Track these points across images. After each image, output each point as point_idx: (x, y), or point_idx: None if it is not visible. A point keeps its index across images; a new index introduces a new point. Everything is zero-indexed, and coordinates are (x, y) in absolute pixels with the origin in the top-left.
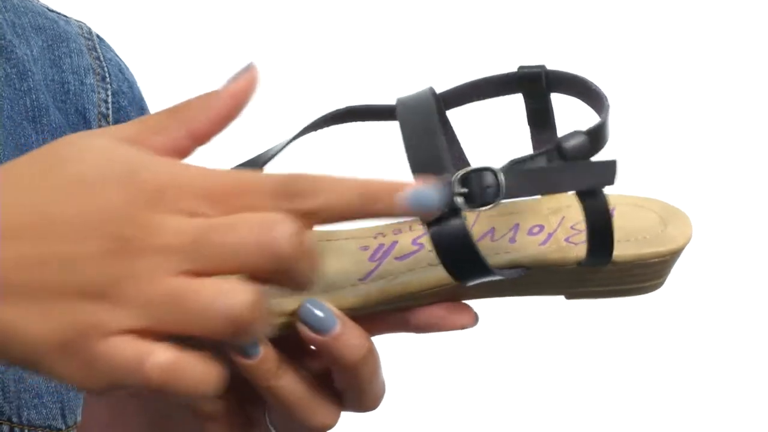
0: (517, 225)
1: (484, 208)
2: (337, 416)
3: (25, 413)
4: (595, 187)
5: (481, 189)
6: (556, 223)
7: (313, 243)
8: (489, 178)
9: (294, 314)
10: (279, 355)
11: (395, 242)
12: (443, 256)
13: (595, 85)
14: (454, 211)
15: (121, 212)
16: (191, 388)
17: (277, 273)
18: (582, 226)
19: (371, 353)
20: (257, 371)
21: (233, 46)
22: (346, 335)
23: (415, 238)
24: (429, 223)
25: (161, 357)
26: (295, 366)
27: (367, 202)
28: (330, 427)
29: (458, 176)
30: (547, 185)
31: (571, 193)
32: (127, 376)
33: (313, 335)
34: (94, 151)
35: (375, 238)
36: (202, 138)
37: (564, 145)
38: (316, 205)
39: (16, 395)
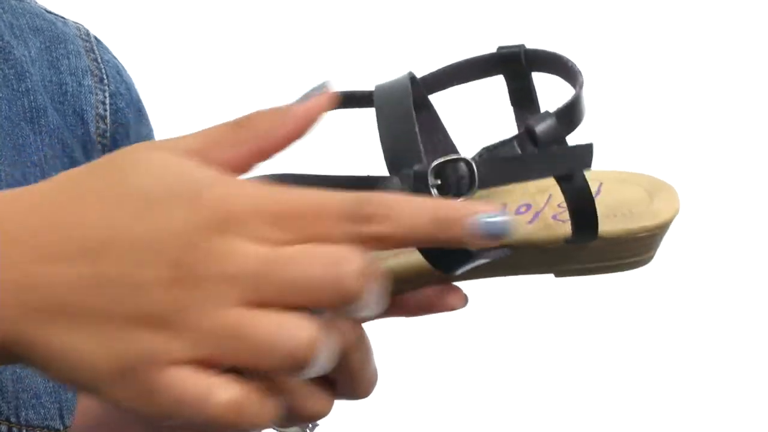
0: (505, 205)
1: (458, 199)
2: (331, 404)
3: (24, 413)
4: (571, 171)
5: (456, 179)
6: (543, 202)
7: (381, 273)
8: (463, 169)
9: None
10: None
11: None
12: (424, 250)
13: (571, 62)
14: None
15: (185, 236)
16: (253, 425)
17: (341, 307)
18: None
19: (361, 341)
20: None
21: (230, 47)
22: (335, 323)
23: None
24: None
25: (226, 394)
26: None
27: (439, 229)
28: (324, 415)
29: (432, 167)
30: (522, 173)
31: None
32: (190, 411)
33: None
34: (158, 165)
35: None
36: (268, 154)
37: (533, 128)
38: (386, 230)
39: (14, 395)
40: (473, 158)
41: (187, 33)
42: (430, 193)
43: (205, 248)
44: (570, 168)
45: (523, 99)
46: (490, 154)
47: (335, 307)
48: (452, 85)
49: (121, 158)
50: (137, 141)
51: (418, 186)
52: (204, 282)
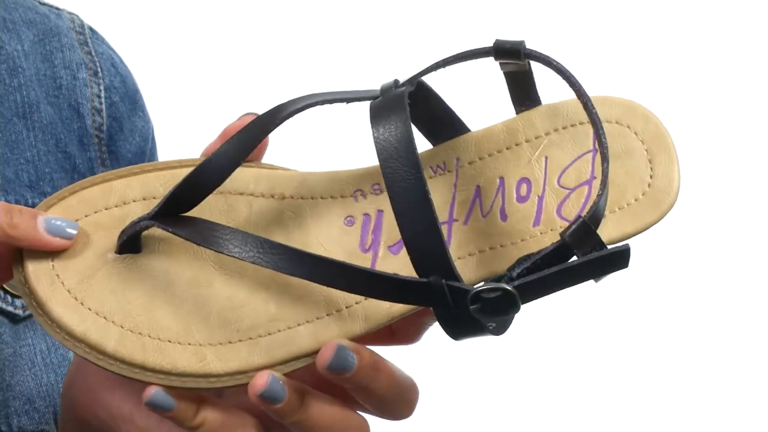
0: (502, 181)
1: (500, 316)
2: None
3: (15, 420)
4: (610, 272)
5: (495, 302)
6: (541, 175)
7: None
8: (503, 295)
9: (312, 355)
10: (299, 388)
11: (380, 212)
12: (438, 316)
13: (600, 129)
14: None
15: None
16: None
17: None
18: (572, 180)
19: (376, 368)
20: (282, 411)
21: (233, 37)
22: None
23: None
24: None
25: None
26: (316, 393)
27: None
28: None
29: (470, 296)
30: (562, 284)
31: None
32: None
33: (334, 376)
34: None
35: (355, 199)
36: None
37: (567, 240)
38: None
39: (3, 404)
40: (512, 282)
41: (189, 21)
42: (470, 315)
43: None
44: (608, 271)
45: (520, 86)
46: (529, 271)
47: None
48: (439, 69)
49: None
50: (131, 134)
51: (458, 304)
52: None
